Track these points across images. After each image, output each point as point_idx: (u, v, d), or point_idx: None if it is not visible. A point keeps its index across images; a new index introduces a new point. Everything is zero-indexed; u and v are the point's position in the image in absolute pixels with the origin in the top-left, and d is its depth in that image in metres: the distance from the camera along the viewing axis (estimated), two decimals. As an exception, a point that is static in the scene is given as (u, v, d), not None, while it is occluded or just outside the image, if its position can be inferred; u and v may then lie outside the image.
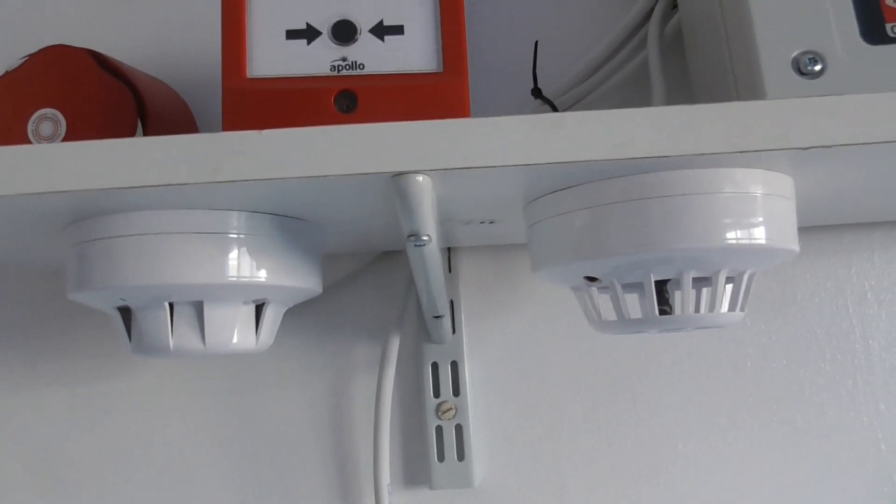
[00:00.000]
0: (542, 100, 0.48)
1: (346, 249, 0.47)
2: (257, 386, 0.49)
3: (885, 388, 0.47)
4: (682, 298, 0.32)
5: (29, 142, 0.42)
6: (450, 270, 0.49)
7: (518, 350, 0.49)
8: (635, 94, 0.48)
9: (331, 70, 0.32)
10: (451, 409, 0.48)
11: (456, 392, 0.48)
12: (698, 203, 0.30)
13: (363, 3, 0.33)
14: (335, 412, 0.49)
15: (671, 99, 0.44)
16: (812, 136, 0.28)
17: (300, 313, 0.48)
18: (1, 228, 0.34)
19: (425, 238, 0.30)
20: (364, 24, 0.33)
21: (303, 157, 0.28)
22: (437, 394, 0.48)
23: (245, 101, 0.33)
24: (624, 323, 0.33)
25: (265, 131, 0.28)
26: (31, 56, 0.43)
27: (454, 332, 0.49)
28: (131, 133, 0.43)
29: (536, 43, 0.46)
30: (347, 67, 0.32)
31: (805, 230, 0.47)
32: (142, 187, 0.28)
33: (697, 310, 0.33)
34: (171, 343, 0.34)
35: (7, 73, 0.43)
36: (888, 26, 0.33)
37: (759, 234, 0.31)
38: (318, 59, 0.33)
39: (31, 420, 0.49)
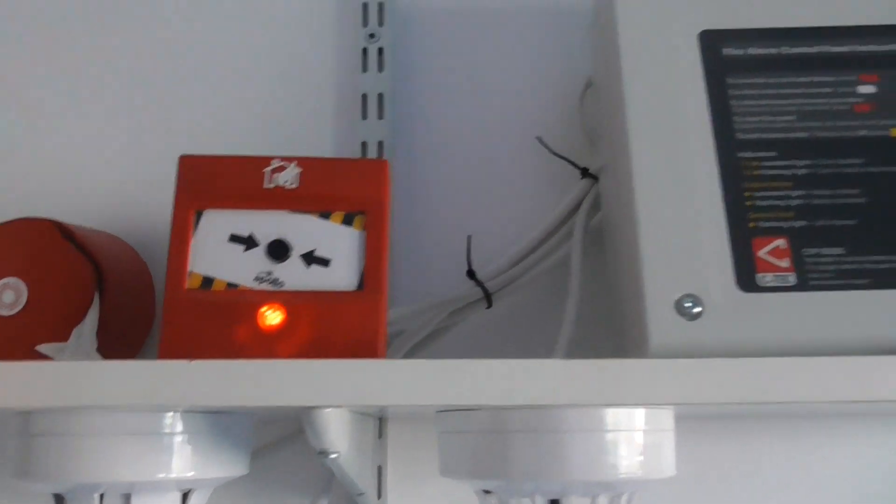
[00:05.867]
0: (475, 282, 0.52)
1: (276, 417, 0.50)
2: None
3: None
4: (567, 518, 0.35)
5: (-11, 309, 0.45)
6: (379, 437, 0.52)
7: (443, 513, 0.51)
8: (561, 281, 0.52)
9: (254, 280, 0.36)
10: (374, 573, 0.50)
11: (380, 556, 0.50)
12: (581, 439, 0.34)
13: (304, 233, 0.37)
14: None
15: (585, 294, 0.48)
16: (674, 395, 0.31)
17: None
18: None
19: (334, 455, 0.33)
20: (298, 249, 0.37)
21: (228, 387, 0.31)
22: (362, 556, 0.50)
23: (182, 306, 0.36)
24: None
25: (194, 361, 0.31)
26: (1, 224, 0.47)
27: (380, 497, 0.51)
28: (89, 301, 0.46)
29: (469, 237, 0.51)
30: (270, 282, 0.36)
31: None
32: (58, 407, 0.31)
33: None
34: (97, 528, 0.37)
35: (-25, 241, 0.46)
36: (759, 276, 0.37)
37: (636, 468, 0.34)
38: (248, 267, 0.36)
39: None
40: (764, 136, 0.40)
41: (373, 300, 0.36)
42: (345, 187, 0.37)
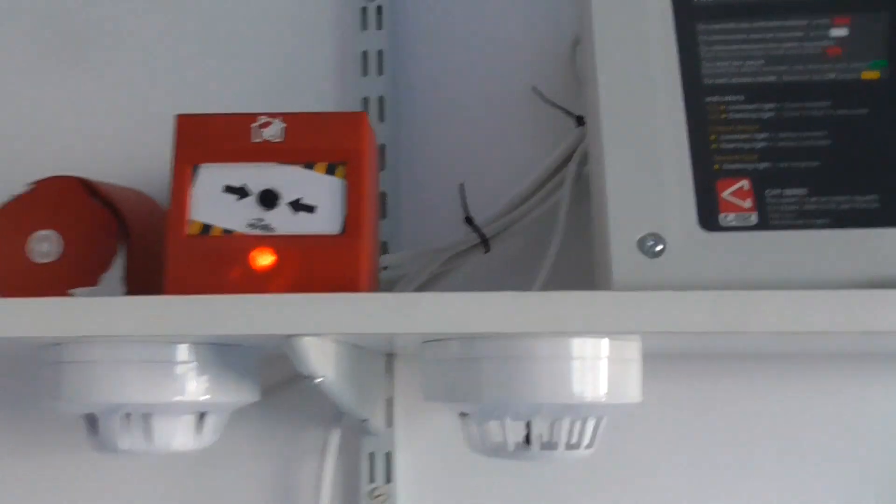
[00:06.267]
0: (473, 228, 0.55)
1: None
2: (215, 468, 0.56)
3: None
4: (533, 438, 0.38)
5: (28, 258, 0.50)
6: (388, 372, 0.56)
7: (445, 443, 0.55)
8: (553, 228, 0.54)
9: (248, 227, 0.40)
10: (382, 494, 0.54)
11: (388, 479, 0.55)
12: (547, 366, 0.37)
13: (291, 183, 0.40)
14: (284, 491, 0.55)
15: (570, 238, 0.51)
16: (631, 325, 0.34)
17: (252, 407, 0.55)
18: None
19: (319, 379, 0.37)
20: (286, 198, 0.40)
21: (217, 318, 0.35)
22: (372, 479, 0.55)
23: (184, 251, 0.40)
24: (488, 449, 0.40)
25: (190, 297, 0.35)
26: (35, 183, 0.51)
27: (389, 425, 0.55)
28: (114, 251, 0.51)
29: (461, 185, 0.53)
30: (261, 228, 0.40)
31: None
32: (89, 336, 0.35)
33: (553, 447, 0.39)
34: (122, 445, 0.42)
35: (15, 197, 0.51)
36: (722, 216, 0.39)
37: (600, 394, 0.37)
38: (241, 215, 0.40)
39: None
40: (731, 80, 0.41)
41: (354, 243, 0.39)
42: (326, 139, 0.40)
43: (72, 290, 0.49)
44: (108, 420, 0.42)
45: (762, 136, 0.40)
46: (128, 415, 0.42)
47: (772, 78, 0.41)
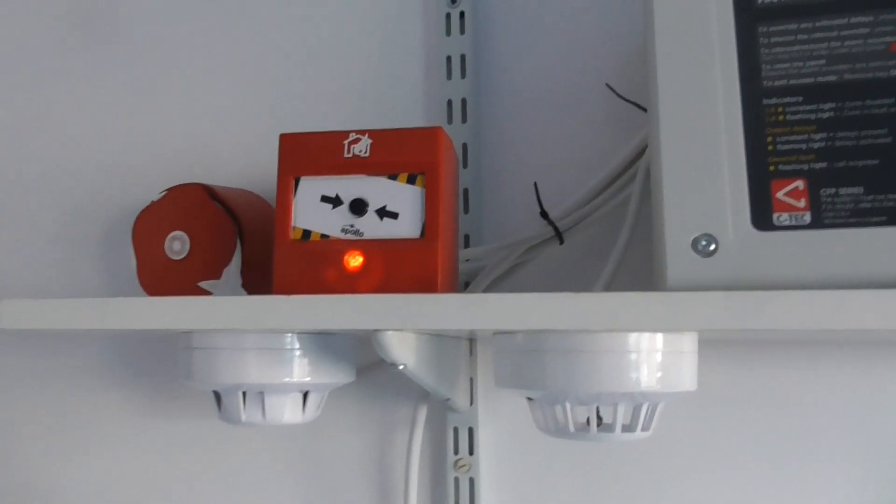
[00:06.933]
0: (548, 221, 0.58)
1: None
2: (318, 440, 0.64)
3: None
4: (591, 421, 0.42)
5: (166, 255, 0.59)
6: (471, 354, 0.61)
7: (524, 420, 0.60)
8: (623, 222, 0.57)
9: (341, 232, 0.45)
10: (465, 465, 0.60)
11: (471, 451, 0.60)
12: (607, 359, 0.40)
13: (377, 192, 0.46)
14: (378, 460, 0.62)
15: (636, 232, 0.53)
16: (683, 324, 0.37)
17: (349, 386, 0.62)
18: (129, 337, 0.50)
19: (401, 366, 0.43)
20: (373, 206, 0.46)
21: (316, 315, 0.41)
22: (456, 451, 0.60)
23: (289, 254, 0.46)
24: (552, 430, 0.44)
25: (293, 297, 0.42)
26: (166, 190, 0.60)
27: (472, 403, 0.61)
28: (233, 247, 0.59)
29: (535, 183, 0.57)
30: (353, 233, 0.45)
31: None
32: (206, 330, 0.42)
33: (610, 430, 0.43)
34: (242, 418, 0.49)
35: (153, 203, 0.60)
36: (775, 216, 0.41)
37: (654, 382, 0.40)
38: (335, 221, 0.46)
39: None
40: (790, 82, 0.42)
41: (432, 245, 0.44)
42: (407, 153, 0.45)
43: (200, 283, 0.58)
44: (230, 397, 0.49)
45: (819, 136, 0.41)
46: (245, 393, 0.49)
47: (832, 77, 0.42)
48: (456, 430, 0.61)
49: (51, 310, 0.44)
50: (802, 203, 0.41)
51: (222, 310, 0.43)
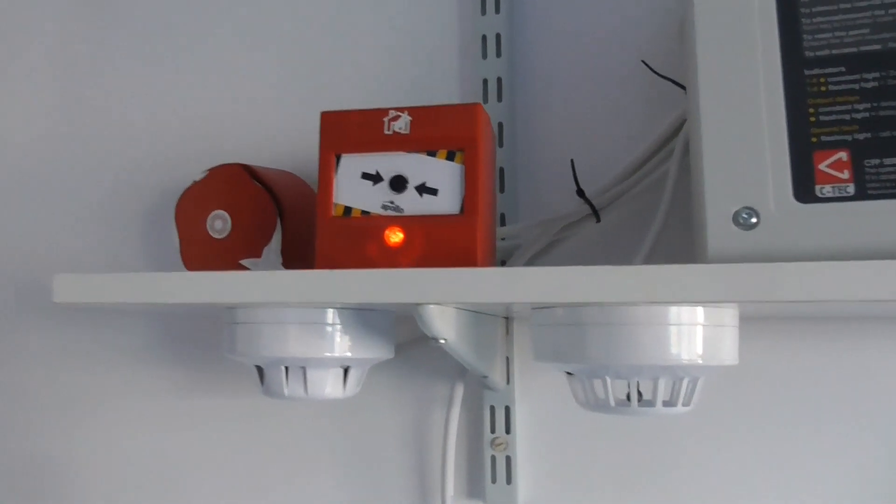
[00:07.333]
0: (584, 199, 0.58)
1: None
2: (358, 415, 0.65)
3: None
4: (632, 396, 0.43)
5: (208, 233, 0.60)
6: (507, 333, 0.62)
7: (560, 399, 0.60)
8: (661, 196, 0.57)
9: (381, 208, 0.46)
10: (502, 443, 0.61)
11: (507, 430, 0.61)
12: (648, 332, 0.41)
13: (416, 169, 0.46)
14: (416, 437, 0.63)
15: (674, 208, 0.53)
16: (722, 295, 0.37)
17: (389, 363, 0.63)
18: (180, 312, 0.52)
19: (442, 341, 0.43)
20: (413, 182, 0.46)
21: (358, 289, 0.42)
22: (493, 430, 0.61)
23: (331, 230, 0.47)
24: (592, 405, 0.45)
25: (336, 271, 0.43)
26: (208, 170, 0.61)
27: (508, 382, 0.61)
28: (273, 226, 0.60)
29: (572, 160, 0.57)
30: (393, 209, 0.46)
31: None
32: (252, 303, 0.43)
33: (651, 404, 0.43)
34: (285, 392, 0.51)
35: (195, 182, 0.61)
36: (818, 188, 0.41)
37: (694, 356, 0.41)
38: (376, 198, 0.47)
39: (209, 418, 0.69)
40: (833, 52, 0.42)
41: (471, 221, 0.45)
42: (446, 130, 0.46)
43: (241, 261, 0.59)
44: (273, 371, 0.51)
45: (863, 106, 0.41)
46: (287, 367, 0.50)
47: (876, 46, 0.41)
48: (493, 409, 0.61)
49: (102, 284, 0.46)
50: (846, 174, 0.40)
51: (267, 284, 0.44)
